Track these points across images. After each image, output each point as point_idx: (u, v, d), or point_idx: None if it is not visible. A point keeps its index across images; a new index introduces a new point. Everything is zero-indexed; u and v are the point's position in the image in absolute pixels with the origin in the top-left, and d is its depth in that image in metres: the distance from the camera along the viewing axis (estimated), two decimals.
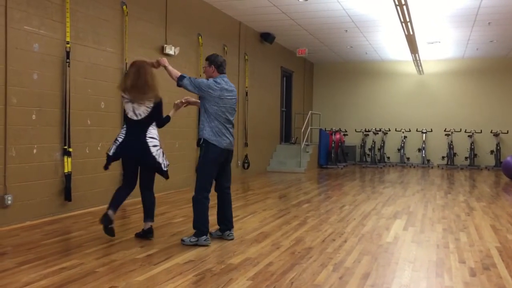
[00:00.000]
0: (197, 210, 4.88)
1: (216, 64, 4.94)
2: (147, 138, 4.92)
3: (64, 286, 3.52)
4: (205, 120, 4.86)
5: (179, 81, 4.92)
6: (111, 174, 7.20)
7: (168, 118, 5.19)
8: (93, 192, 6.84)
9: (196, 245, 4.75)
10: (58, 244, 4.82)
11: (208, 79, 4.92)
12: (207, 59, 5.00)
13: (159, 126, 5.09)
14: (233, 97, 4.98)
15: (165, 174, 5.08)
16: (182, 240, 4.86)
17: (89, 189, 6.76)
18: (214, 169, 4.91)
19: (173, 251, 4.58)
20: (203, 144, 4.84)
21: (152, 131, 4.99)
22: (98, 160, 6.90)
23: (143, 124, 4.95)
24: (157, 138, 5.01)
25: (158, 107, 5.05)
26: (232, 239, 5.02)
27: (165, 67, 5.04)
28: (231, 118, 4.98)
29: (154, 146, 4.95)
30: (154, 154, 4.93)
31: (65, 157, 6.28)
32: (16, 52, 5.61)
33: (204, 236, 4.81)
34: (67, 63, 6.28)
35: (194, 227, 4.88)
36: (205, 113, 4.87)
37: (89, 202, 6.74)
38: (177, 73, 4.99)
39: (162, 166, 5.00)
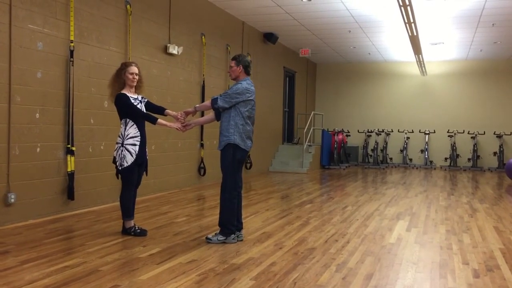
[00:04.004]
0: (227, 210, 4.90)
1: (244, 64, 4.91)
2: (117, 135, 5.15)
3: (67, 284, 3.52)
4: (235, 124, 4.81)
5: (214, 105, 4.89)
6: (114, 173, 7.20)
7: (143, 114, 5.13)
8: (96, 191, 6.85)
9: (224, 243, 4.81)
10: (61, 243, 4.82)
11: (240, 82, 4.88)
12: (235, 58, 4.96)
13: (133, 120, 5.08)
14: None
15: (116, 171, 5.16)
16: (208, 239, 4.86)
17: (92, 188, 6.77)
18: (239, 168, 4.96)
19: (176, 250, 4.58)
20: (230, 147, 4.83)
21: (121, 128, 5.12)
22: (101, 159, 6.91)
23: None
24: (121, 136, 5.08)
25: (116, 105, 5.16)
26: (241, 240, 5.00)
27: (195, 110, 5.21)
28: (254, 121, 5.03)
29: (117, 143, 5.13)
30: (115, 150, 5.13)
31: (68, 156, 6.28)
32: (20, 50, 5.62)
33: (233, 235, 4.87)
34: (71, 62, 6.29)
35: (222, 226, 4.89)
36: (236, 117, 4.81)
37: (92, 201, 6.75)
38: (208, 103, 5.02)
39: (116, 162, 5.09)
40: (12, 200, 5.53)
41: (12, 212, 5.56)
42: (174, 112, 5.32)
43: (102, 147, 6.93)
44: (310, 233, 5.50)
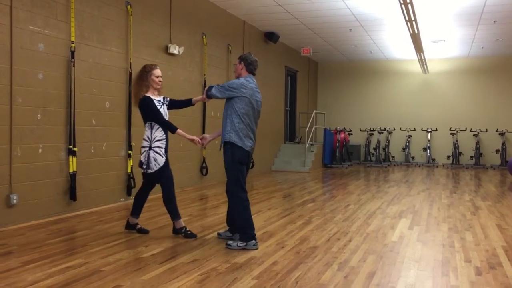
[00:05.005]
0: (240, 214, 4.76)
1: (246, 61, 4.87)
2: (143, 138, 5.10)
3: (69, 285, 3.53)
4: (230, 122, 4.74)
5: (208, 92, 4.89)
6: (116, 174, 7.23)
7: (165, 122, 5.08)
8: (98, 191, 6.86)
9: (244, 249, 4.61)
10: (63, 243, 4.83)
11: (238, 78, 4.87)
12: (239, 57, 4.96)
13: (159, 124, 5.06)
14: (260, 100, 4.91)
15: (144, 176, 5.15)
16: (228, 245, 4.68)
17: (94, 189, 6.78)
18: (242, 168, 4.83)
19: (178, 250, 4.58)
20: (228, 146, 4.77)
21: (146, 132, 5.09)
22: (103, 159, 6.93)
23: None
24: (148, 139, 5.04)
25: (140, 108, 5.12)
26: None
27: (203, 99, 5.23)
28: (256, 121, 4.90)
29: (142, 147, 5.09)
30: (141, 153, 5.09)
31: (70, 157, 6.30)
32: (21, 52, 5.63)
33: (253, 241, 4.66)
34: (72, 63, 6.30)
35: (240, 231, 4.75)
36: (232, 114, 4.74)
37: (94, 202, 6.76)
38: (205, 90, 5.00)
39: (143, 166, 5.06)
40: (15, 201, 5.54)
41: (15, 213, 5.57)
42: (199, 97, 5.35)
43: (103, 148, 6.94)
44: (312, 232, 5.50)
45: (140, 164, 5.11)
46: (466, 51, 14.98)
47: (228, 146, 4.77)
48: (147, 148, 5.02)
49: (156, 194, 8.05)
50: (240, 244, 4.66)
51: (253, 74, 4.94)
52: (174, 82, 8.69)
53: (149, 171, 5.04)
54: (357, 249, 4.71)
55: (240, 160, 4.80)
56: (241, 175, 4.80)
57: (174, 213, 5.15)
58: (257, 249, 4.66)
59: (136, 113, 7.54)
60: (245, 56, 4.93)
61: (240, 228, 4.77)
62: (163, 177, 5.08)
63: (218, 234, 5.14)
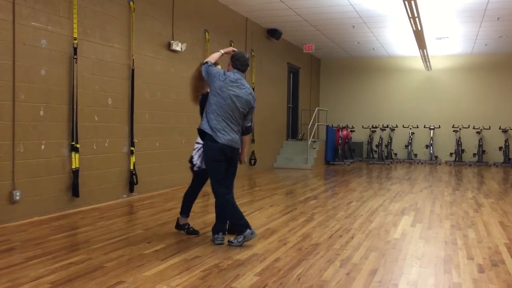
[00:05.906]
0: (225, 208, 4.73)
1: (233, 57, 4.88)
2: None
3: (72, 281, 3.54)
4: (205, 111, 4.75)
5: (203, 64, 4.93)
6: (118, 171, 7.24)
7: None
8: (101, 188, 6.87)
9: (245, 243, 4.62)
10: (66, 240, 4.84)
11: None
12: None
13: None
14: (240, 96, 4.71)
15: (193, 171, 5.08)
16: (230, 242, 4.66)
17: (97, 185, 6.79)
18: (219, 164, 4.68)
19: (181, 246, 4.59)
20: (202, 137, 4.74)
21: None
22: (106, 156, 6.94)
23: None
24: None
25: (200, 105, 5.06)
26: (221, 244, 4.74)
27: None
28: (234, 116, 4.69)
29: (197, 142, 5.01)
30: (193, 148, 5.02)
31: (73, 153, 6.30)
32: (23, 48, 5.63)
33: (248, 230, 4.63)
34: (75, 59, 6.30)
35: (235, 227, 4.73)
36: (208, 106, 4.74)
37: (96, 198, 6.77)
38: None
39: (193, 162, 4.99)
40: (17, 198, 5.56)
41: (17, 209, 5.59)
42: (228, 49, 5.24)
43: (106, 144, 6.95)
44: (314, 228, 5.50)
45: (190, 159, 5.03)
46: (469, 48, 14.93)
47: (203, 137, 4.73)
48: (200, 145, 4.90)
49: (156, 191, 8.09)
50: (240, 238, 4.64)
51: (240, 70, 4.87)
52: (176, 79, 8.69)
53: (195, 168, 4.99)
54: (359, 246, 4.71)
55: (214, 158, 4.65)
56: (217, 172, 4.69)
57: (184, 208, 5.13)
58: (254, 236, 4.66)
59: (138, 110, 7.59)
60: (234, 53, 4.95)
61: (233, 223, 4.76)
62: (199, 177, 5.04)
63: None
